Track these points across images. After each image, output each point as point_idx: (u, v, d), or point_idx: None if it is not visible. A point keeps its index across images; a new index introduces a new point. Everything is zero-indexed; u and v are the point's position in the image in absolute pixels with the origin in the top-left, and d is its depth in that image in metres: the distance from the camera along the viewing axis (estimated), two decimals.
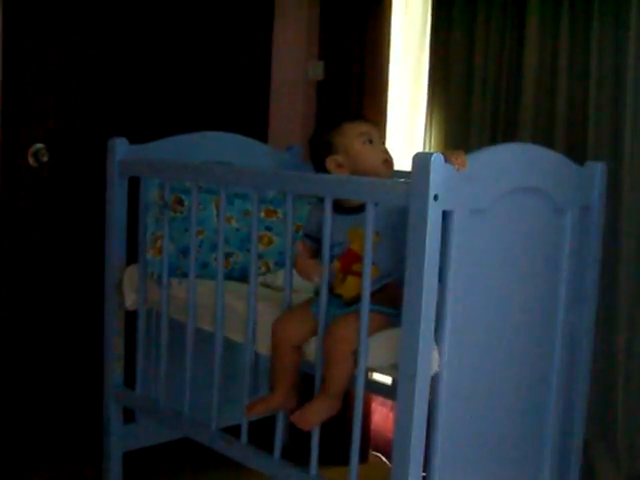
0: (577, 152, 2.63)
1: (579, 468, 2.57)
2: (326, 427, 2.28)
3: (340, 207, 2.28)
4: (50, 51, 3.04)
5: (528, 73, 2.76)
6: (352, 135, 2.32)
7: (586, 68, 2.66)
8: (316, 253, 2.32)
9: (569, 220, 2.37)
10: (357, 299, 2.16)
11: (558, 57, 2.71)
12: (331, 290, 2.27)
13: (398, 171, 2.40)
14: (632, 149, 2.59)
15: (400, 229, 2.08)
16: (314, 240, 2.35)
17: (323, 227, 2.21)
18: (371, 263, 2.11)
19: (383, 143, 2.41)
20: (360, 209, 2.19)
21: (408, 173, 1.96)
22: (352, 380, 2.17)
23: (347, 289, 2.28)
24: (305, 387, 2.36)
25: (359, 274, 2.17)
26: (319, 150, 2.37)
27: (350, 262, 2.27)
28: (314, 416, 2.22)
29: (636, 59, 2.55)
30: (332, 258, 2.28)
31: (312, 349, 2.28)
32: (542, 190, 2.26)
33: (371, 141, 2.32)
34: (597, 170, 2.45)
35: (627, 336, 2.65)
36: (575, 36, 2.68)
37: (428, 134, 3.09)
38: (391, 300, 2.19)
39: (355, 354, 2.15)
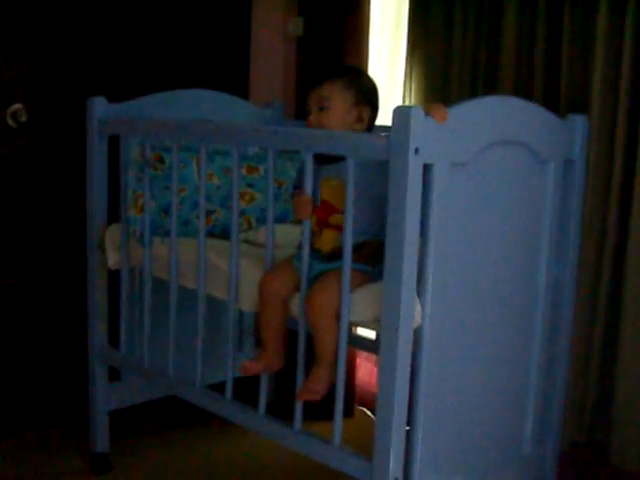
0: (554, 104, 2.62)
1: (559, 423, 2.61)
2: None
3: (322, 158, 2.27)
4: (27, 8, 2.99)
5: (508, 24, 2.74)
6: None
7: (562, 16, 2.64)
8: None
9: (551, 173, 2.37)
10: (335, 253, 2.16)
11: (537, 10, 2.69)
12: (311, 244, 2.27)
13: (379, 125, 2.40)
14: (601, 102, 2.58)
15: (377, 185, 2.08)
16: None
17: (304, 181, 2.21)
18: (349, 217, 2.10)
19: None
20: (334, 160, 2.18)
21: (388, 127, 1.95)
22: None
23: (324, 242, 2.28)
24: (289, 344, 2.38)
25: (336, 227, 2.17)
26: (361, 90, 2.35)
27: (326, 214, 2.27)
28: (318, 384, 2.22)
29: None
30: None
31: (296, 305, 2.29)
32: (524, 143, 2.25)
33: None
34: (579, 123, 2.44)
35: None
36: None
37: (408, 88, 3.07)
38: (369, 258, 2.19)
39: (337, 319, 2.16)
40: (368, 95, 2.37)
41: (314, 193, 2.25)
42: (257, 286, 2.34)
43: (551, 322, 2.48)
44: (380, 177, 2.03)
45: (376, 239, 2.16)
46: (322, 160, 2.27)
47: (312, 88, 2.37)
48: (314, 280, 2.23)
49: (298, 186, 2.39)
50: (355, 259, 2.14)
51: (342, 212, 2.14)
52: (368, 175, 2.17)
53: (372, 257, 2.17)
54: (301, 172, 2.38)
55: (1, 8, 2.93)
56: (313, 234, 2.28)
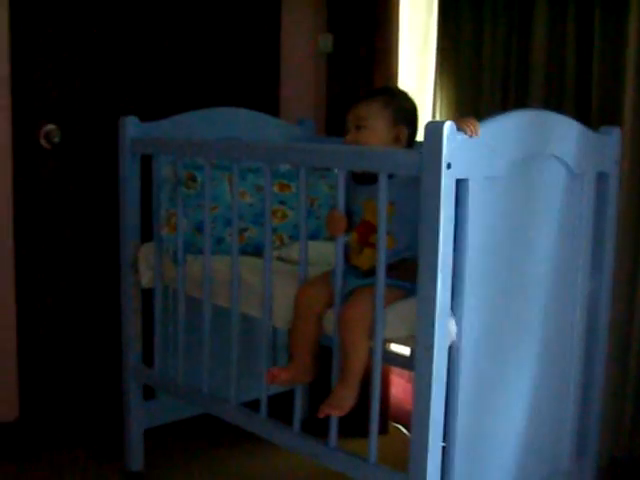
0: (586, 117, 2.60)
1: (597, 439, 2.58)
2: None
3: (361, 178, 2.29)
4: (59, 30, 3.02)
5: (538, 35, 2.73)
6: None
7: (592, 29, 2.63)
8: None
9: (585, 186, 2.35)
10: (374, 271, 2.16)
11: (567, 19, 2.67)
12: (349, 261, 2.27)
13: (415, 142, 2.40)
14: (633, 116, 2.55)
15: (416, 202, 2.07)
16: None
17: (338, 198, 2.21)
18: (386, 234, 2.10)
19: None
20: (376, 179, 2.19)
21: (421, 143, 1.95)
22: (370, 352, 2.18)
23: (364, 261, 2.28)
24: (323, 360, 2.37)
25: (375, 246, 2.17)
26: (399, 110, 2.36)
27: (367, 233, 2.27)
28: (342, 400, 2.20)
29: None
30: (352, 228, 2.29)
31: (331, 321, 2.28)
32: (556, 156, 2.24)
33: None
34: (612, 135, 2.43)
35: None
36: None
37: (437, 102, 3.07)
38: (409, 275, 2.18)
39: (370, 336, 2.15)
40: (406, 115, 2.36)
41: (348, 211, 2.25)
42: (291, 303, 2.34)
43: (588, 337, 2.46)
44: (418, 194, 2.03)
45: (416, 256, 2.15)
46: (365, 180, 2.28)
47: (351, 106, 2.37)
48: (349, 296, 2.23)
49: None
50: (395, 276, 2.14)
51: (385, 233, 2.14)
52: (407, 192, 2.16)
53: (410, 274, 2.17)
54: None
55: (31, 27, 2.97)
56: (353, 252, 2.28)
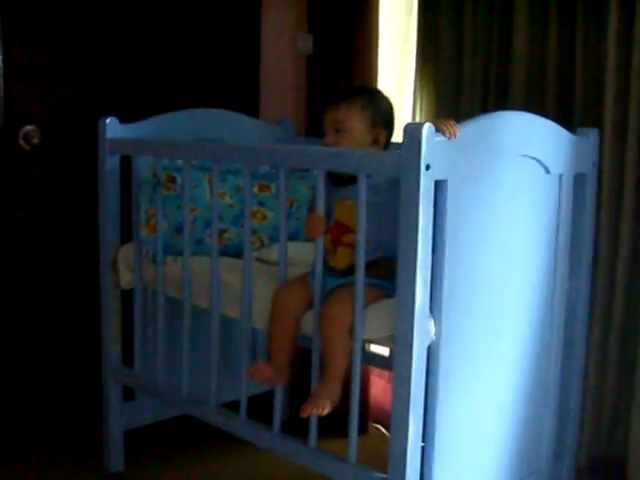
0: (568, 118, 2.61)
1: (576, 439, 2.60)
2: None
3: (338, 180, 2.30)
4: (39, 31, 3.01)
5: (519, 35, 2.73)
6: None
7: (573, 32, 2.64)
8: None
9: (563, 187, 2.36)
10: (350, 270, 2.17)
11: (548, 18, 2.68)
12: (325, 262, 2.28)
13: (391, 143, 2.40)
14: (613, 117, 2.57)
15: (389, 202, 2.08)
16: None
17: (317, 199, 2.21)
18: (363, 235, 2.10)
19: None
20: (349, 181, 2.19)
21: (399, 144, 1.96)
22: (349, 352, 2.18)
23: (339, 260, 2.29)
24: (303, 361, 2.37)
25: (349, 245, 2.18)
26: (378, 112, 2.36)
27: (339, 233, 2.28)
28: (323, 399, 2.19)
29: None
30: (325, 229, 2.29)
31: (309, 322, 2.28)
32: (534, 158, 2.25)
33: None
34: (590, 136, 2.44)
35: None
36: None
37: (418, 104, 3.07)
38: (383, 274, 2.20)
39: (351, 332, 2.15)
40: (384, 117, 2.37)
41: (327, 213, 2.26)
42: (270, 302, 2.34)
43: (566, 337, 2.48)
44: (390, 194, 2.04)
45: (390, 256, 2.16)
46: (338, 182, 2.29)
47: (328, 107, 2.37)
48: (328, 295, 2.23)
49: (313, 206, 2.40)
50: (370, 275, 2.14)
51: (354, 231, 2.14)
52: (379, 191, 2.17)
53: (385, 273, 2.17)
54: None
55: (11, 29, 2.95)
56: (328, 252, 2.29)
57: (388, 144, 2.38)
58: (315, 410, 2.20)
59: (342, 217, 2.28)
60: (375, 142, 2.34)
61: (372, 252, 2.21)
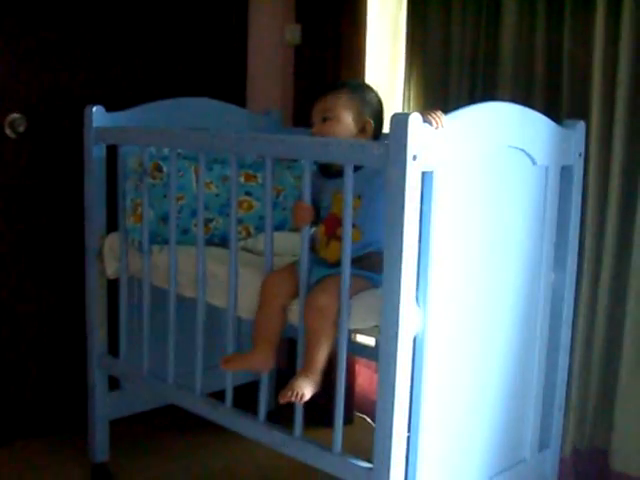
0: (555, 110, 2.62)
1: (560, 430, 2.61)
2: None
3: (328, 171, 2.30)
4: (24, 18, 2.99)
5: (506, 27, 2.74)
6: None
7: (561, 23, 2.64)
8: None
9: (549, 179, 2.37)
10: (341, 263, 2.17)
11: (536, 10, 2.68)
12: (316, 253, 2.28)
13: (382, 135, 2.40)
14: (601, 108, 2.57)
15: (382, 196, 2.07)
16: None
17: (304, 189, 2.21)
18: (352, 226, 2.10)
19: None
20: (341, 173, 2.19)
21: (386, 135, 1.95)
22: (335, 343, 2.18)
23: (331, 253, 2.29)
24: (289, 351, 2.37)
25: (342, 239, 2.18)
26: (365, 102, 2.37)
27: (334, 226, 2.28)
28: (302, 387, 2.19)
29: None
30: (320, 221, 2.30)
31: (295, 312, 2.28)
32: (521, 149, 2.25)
33: None
34: (577, 128, 2.45)
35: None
36: None
37: (407, 94, 3.08)
38: (373, 267, 2.20)
39: (336, 324, 2.15)
40: (372, 107, 2.38)
41: (315, 203, 2.25)
42: (256, 293, 2.34)
43: (551, 328, 2.48)
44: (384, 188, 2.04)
45: (382, 251, 2.16)
46: (329, 174, 2.28)
47: (316, 99, 2.38)
48: (316, 285, 2.23)
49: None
50: (361, 267, 2.14)
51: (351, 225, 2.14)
52: (374, 185, 2.17)
53: (376, 267, 2.17)
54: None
55: (1, 16, 2.94)
56: (320, 244, 2.29)
57: (378, 136, 2.38)
58: (293, 397, 2.19)
59: (338, 210, 2.27)
60: (362, 131, 2.34)
61: (364, 247, 2.21)
